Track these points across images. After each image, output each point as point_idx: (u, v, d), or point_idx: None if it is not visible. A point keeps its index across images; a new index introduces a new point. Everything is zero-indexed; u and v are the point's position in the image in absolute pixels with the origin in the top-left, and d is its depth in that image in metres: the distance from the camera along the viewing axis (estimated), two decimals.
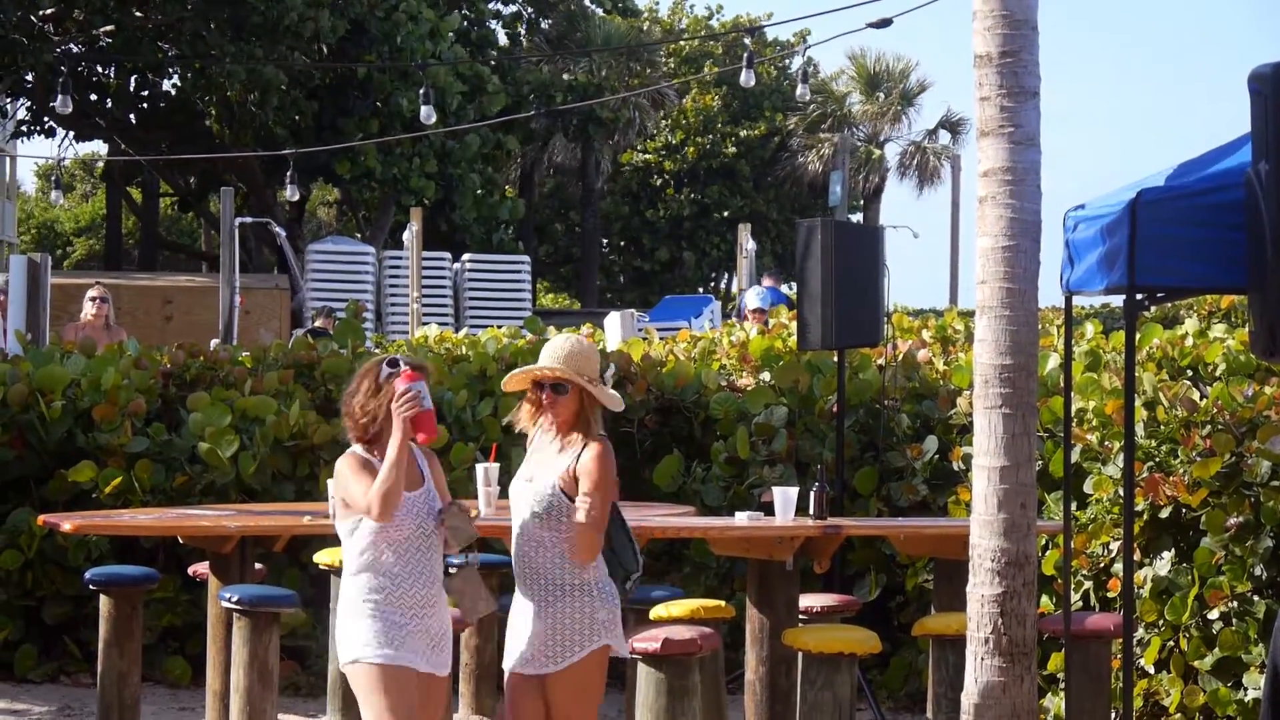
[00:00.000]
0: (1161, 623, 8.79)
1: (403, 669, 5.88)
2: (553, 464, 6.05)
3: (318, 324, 19.96)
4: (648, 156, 45.38)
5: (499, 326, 16.10)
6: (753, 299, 17.53)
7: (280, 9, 28.23)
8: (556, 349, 6.10)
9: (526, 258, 30.90)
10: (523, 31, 39.76)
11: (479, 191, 33.19)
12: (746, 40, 24.66)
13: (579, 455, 6.00)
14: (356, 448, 6.02)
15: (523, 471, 6.14)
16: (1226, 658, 8.58)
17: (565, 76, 37.66)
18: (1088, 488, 9.22)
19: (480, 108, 32.13)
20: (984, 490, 6.26)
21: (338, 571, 8.47)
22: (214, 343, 15.06)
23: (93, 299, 14.62)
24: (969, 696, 6.30)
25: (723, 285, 47.71)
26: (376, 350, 12.63)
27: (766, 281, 20.03)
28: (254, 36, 28.97)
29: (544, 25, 40.15)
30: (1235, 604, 8.58)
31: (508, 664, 6.10)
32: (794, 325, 11.28)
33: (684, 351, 12.31)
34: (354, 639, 5.93)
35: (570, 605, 6.00)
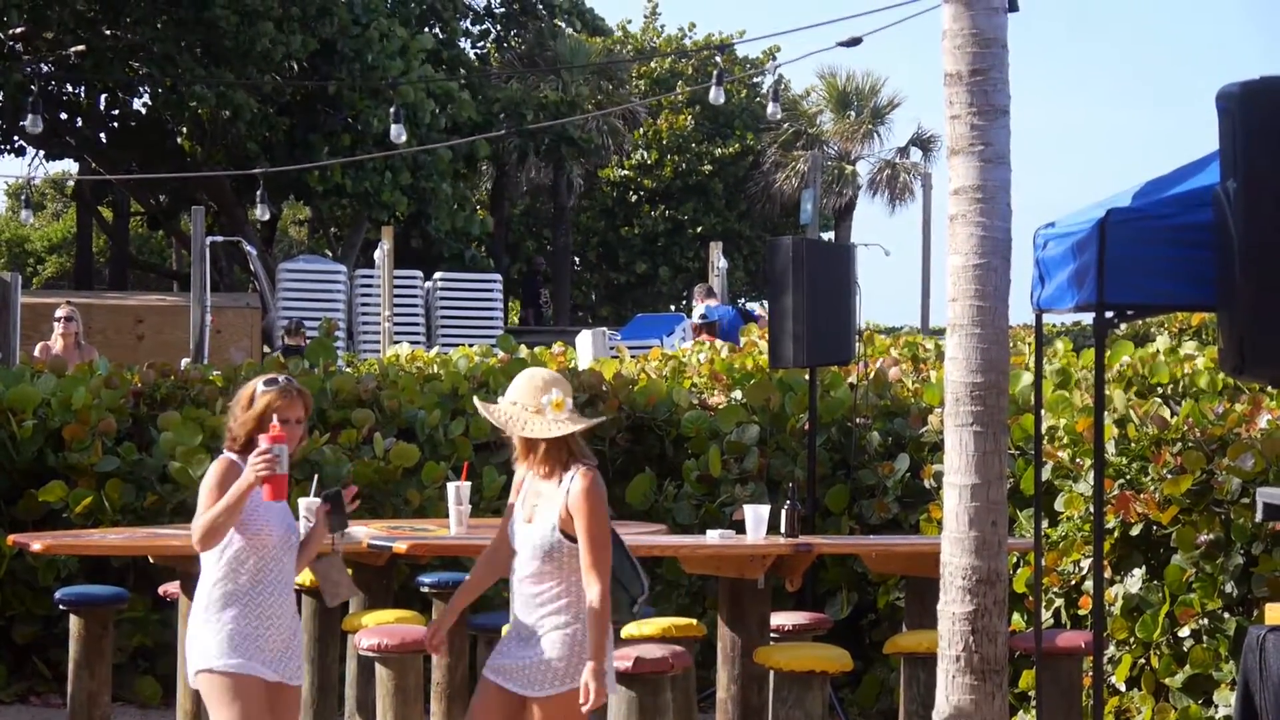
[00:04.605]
0: (1132, 640, 8.81)
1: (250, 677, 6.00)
2: (548, 499, 5.85)
3: (287, 340, 19.90)
4: (626, 173, 45.41)
5: (471, 345, 16.09)
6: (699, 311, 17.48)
7: (252, 34, 28.17)
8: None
9: (498, 276, 30.86)
10: (490, 46, 39.72)
11: (453, 207, 33.13)
12: (717, 58, 24.66)
13: (569, 490, 5.80)
14: (231, 455, 6.10)
15: (520, 511, 5.91)
16: (1197, 675, 8.59)
17: (535, 92, 37.61)
18: (1059, 505, 9.24)
19: (450, 116, 32.07)
20: (955, 508, 6.26)
21: (310, 591, 8.47)
22: (185, 362, 15.03)
23: (59, 319, 14.39)
24: (940, 714, 6.30)
25: (694, 303, 47.60)
26: (347, 369, 12.61)
27: (710, 301, 20.05)
28: (224, 62, 28.91)
29: (514, 41, 40.13)
30: (1206, 621, 8.60)
31: (493, 673, 5.90)
32: (765, 343, 11.30)
33: (655, 370, 12.32)
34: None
35: (569, 636, 5.81)
